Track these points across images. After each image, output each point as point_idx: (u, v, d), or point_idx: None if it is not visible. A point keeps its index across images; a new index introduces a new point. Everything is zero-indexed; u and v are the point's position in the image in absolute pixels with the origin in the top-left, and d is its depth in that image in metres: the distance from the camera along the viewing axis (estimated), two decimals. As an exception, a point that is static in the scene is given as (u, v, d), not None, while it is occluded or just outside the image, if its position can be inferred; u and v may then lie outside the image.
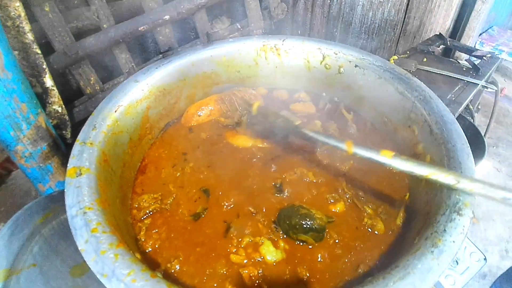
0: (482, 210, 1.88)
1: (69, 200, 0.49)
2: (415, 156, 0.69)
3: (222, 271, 0.54)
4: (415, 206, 0.63)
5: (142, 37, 0.87)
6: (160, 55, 0.85)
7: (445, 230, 0.46)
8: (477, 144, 1.39)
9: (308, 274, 0.55)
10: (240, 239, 0.58)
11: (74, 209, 0.47)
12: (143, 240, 0.59)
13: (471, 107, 1.60)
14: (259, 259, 0.56)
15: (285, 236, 0.59)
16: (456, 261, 1.43)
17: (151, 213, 0.64)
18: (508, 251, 1.68)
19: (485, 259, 1.41)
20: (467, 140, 0.59)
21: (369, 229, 0.61)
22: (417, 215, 0.60)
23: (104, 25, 0.74)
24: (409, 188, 0.67)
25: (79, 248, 0.42)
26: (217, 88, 0.90)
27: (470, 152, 0.58)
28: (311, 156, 0.73)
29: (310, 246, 0.58)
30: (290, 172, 0.70)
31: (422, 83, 0.72)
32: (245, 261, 0.56)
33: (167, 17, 0.78)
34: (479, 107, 1.77)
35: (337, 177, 0.69)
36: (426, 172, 0.52)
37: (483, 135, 1.44)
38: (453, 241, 0.45)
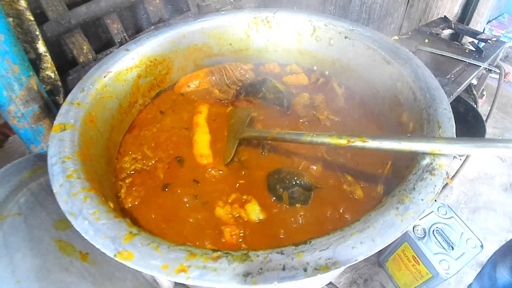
0: (483, 199, 1.85)
1: (51, 151, 0.51)
2: (400, 125, 0.68)
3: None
4: (397, 173, 0.63)
5: (134, 8, 0.88)
6: (152, 27, 0.86)
7: (414, 188, 0.45)
8: (477, 128, 1.37)
9: (283, 236, 0.55)
10: (226, 197, 0.59)
11: (54, 159, 0.49)
12: (123, 197, 0.61)
13: (475, 92, 1.57)
14: (243, 216, 0.57)
15: (274, 198, 0.60)
16: (452, 246, 1.41)
17: (132, 172, 0.66)
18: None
19: (481, 246, 1.39)
20: (450, 106, 0.59)
21: (349, 195, 0.62)
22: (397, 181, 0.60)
23: (96, -6, 0.76)
24: (392, 156, 0.67)
25: (54, 192, 0.44)
26: (209, 60, 0.91)
27: (452, 117, 0.57)
28: (295, 124, 0.74)
29: (297, 204, 0.58)
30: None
31: (410, 52, 0.71)
32: (229, 215, 0.57)
33: (157, -13, 0.79)
34: (484, 93, 1.72)
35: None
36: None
37: (484, 120, 1.41)
38: (422, 199, 0.43)
